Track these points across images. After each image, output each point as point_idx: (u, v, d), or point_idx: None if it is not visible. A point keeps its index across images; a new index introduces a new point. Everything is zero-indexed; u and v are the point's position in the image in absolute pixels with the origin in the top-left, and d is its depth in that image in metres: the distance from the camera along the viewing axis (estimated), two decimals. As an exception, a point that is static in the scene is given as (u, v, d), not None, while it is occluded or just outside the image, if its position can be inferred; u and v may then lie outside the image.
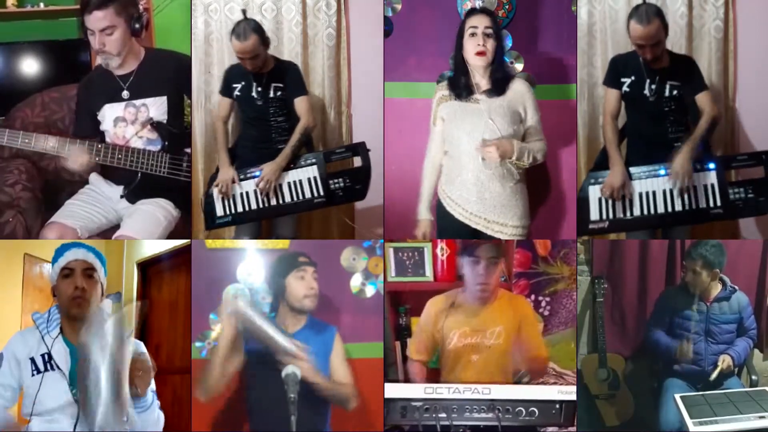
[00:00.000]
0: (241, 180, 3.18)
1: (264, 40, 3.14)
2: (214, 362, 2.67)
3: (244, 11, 3.20)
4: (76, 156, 3.03)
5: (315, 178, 3.19)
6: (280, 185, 3.17)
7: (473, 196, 2.98)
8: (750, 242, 3.38)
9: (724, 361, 3.01)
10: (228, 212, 3.19)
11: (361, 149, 3.22)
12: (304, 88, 3.26)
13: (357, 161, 3.25)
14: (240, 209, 3.19)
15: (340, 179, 3.20)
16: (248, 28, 3.08)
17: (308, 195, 3.19)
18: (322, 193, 3.18)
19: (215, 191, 3.18)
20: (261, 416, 2.75)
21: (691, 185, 3.00)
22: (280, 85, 3.21)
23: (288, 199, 3.19)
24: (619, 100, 3.13)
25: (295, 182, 3.19)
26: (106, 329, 2.18)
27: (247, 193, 3.19)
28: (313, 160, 3.19)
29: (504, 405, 2.67)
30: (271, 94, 3.21)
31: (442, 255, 3.25)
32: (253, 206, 3.19)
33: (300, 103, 3.21)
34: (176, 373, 3.34)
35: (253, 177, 3.18)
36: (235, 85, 3.23)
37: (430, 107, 3.11)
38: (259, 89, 3.20)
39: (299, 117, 3.20)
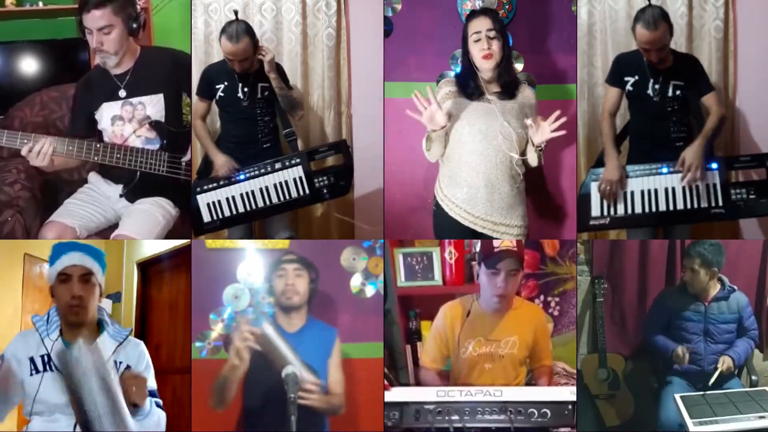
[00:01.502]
0: (225, 185, 3.19)
1: (255, 43, 3.14)
2: (233, 380, 2.67)
3: (236, 12, 3.18)
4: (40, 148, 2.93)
5: (300, 177, 3.21)
6: (266, 187, 3.20)
7: (483, 199, 2.94)
8: (750, 242, 3.38)
9: (725, 363, 3.00)
10: (215, 218, 3.21)
11: (342, 147, 3.27)
12: (288, 83, 3.27)
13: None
14: (227, 213, 3.21)
15: (325, 177, 3.23)
16: (240, 30, 3.07)
17: (294, 194, 3.22)
18: (307, 191, 3.22)
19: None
20: (260, 416, 2.75)
21: (701, 179, 3.00)
22: (267, 84, 3.21)
23: (275, 199, 3.21)
24: (619, 98, 3.13)
25: (281, 183, 3.20)
26: (87, 369, 2.16)
27: (233, 197, 3.20)
28: (297, 160, 3.21)
29: (516, 407, 2.67)
30: (258, 95, 3.22)
31: (451, 259, 3.21)
32: (240, 209, 3.20)
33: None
34: (176, 373, 3.34)
35: (238, 181, 3.19)
36: (218, 86, 3.23)
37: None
38: (246, 90, 3.20)
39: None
